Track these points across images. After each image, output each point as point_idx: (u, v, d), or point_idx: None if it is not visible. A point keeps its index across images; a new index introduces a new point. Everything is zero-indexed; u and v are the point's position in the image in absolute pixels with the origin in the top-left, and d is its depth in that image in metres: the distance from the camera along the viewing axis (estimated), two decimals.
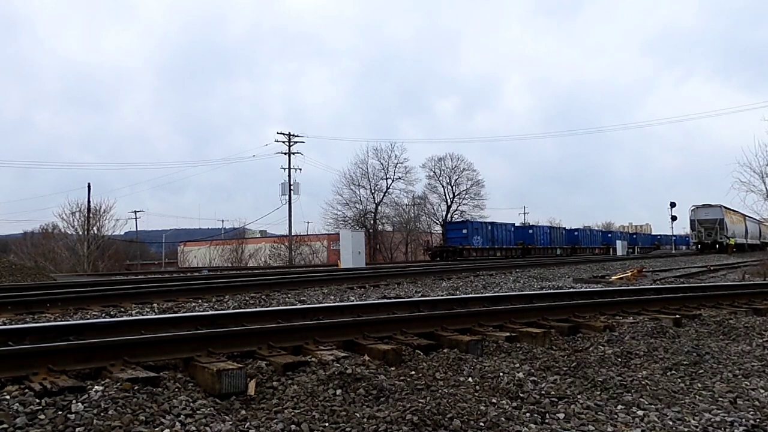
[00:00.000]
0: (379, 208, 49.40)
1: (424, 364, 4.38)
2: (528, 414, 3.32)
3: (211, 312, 7.00)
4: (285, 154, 45.02)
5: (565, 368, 4.33)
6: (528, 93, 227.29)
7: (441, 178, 52.81)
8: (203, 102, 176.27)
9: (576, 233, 54.38)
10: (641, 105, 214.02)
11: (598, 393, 3.79)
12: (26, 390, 3.29)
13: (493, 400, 3.53)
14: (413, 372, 4.15)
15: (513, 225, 46.97)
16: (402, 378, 3.95)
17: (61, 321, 6.85)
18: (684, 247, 70.21)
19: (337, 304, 7.70)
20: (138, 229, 63.49)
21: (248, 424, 3.05)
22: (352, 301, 9.45)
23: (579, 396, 3.68)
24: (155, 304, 8.85)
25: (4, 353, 3.69)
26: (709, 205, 46.58)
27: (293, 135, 45.17)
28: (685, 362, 4.62)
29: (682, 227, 65.47)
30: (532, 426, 3.12)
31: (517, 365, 4.38)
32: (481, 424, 3.06)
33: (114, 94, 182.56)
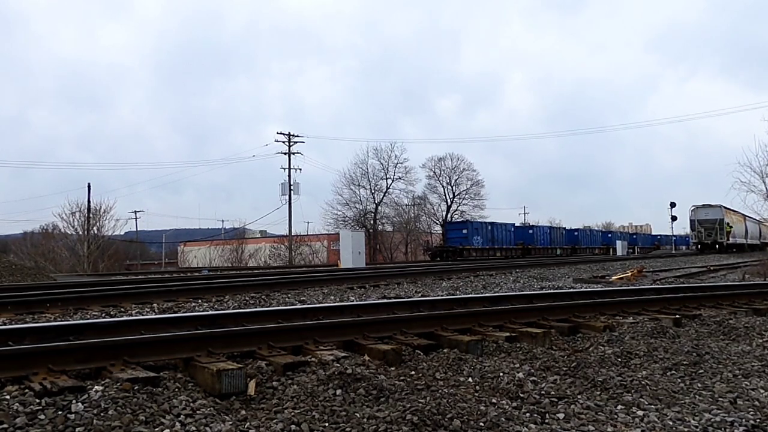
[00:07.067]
0: (379, 208, 49.45)
1: (424, 364, 4.38)
2: (528, 414, 3.32)
3: (211, 312, 7.01)
4: (285, 154, 45.09)
5: (565, 368, 4.33)
6: (530, 91, 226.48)
7: (441, 178, 52.87)
8: (201, 100, 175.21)
9: (576, 233, 54.35)
10: (644, 104, 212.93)
11: (598, 393, 3.79)
12: (26, 390, 3.29)
13: (493, 400, 3.53)
14: (413, 372, 4.15)
15: (513, 225, 46.93)
16: (402, 378, 3.95)
17: (61, 321, 6.85)
18: (684, 248, 70.16)
19: (337, 304, 7.70)
20: (138, 229, 63.56)
21: (248, 424, 3.06)
22: (352, 301, 9.45)
23: (579, 396, 3.68)
24: (155, 304, 8.85)
25: (4, 353, 3.69)
26: (709, 205, 46.55)
27: (293, 135, 45.27)
28: (685, 362, 4.62)
29: (682, 227, 65.43)
30: (532, 426, 3.12)
31: (517, 365, 4.38)
32: (481, 424, 3.06)
33: (111, 93, 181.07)
